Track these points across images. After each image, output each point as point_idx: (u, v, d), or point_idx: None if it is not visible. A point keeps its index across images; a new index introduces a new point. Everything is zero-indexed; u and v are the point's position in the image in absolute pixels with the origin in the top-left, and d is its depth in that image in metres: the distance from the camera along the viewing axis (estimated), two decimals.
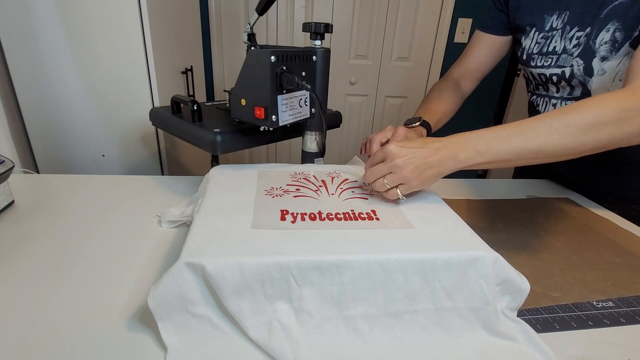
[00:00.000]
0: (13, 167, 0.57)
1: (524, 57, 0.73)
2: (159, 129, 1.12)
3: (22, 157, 1.06)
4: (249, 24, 0.67)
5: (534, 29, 0.70)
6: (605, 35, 0.59)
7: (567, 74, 0.65)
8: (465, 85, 0.83)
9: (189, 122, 0.63)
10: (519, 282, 0.40)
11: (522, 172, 0.94)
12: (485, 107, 2.21)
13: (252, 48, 0.61)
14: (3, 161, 0.56)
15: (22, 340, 0.35)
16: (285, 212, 0.45)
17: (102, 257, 0.48)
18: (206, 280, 0.35)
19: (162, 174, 1.18)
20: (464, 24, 1.97)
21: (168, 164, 1.18)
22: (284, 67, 0.52)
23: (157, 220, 0.57)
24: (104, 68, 1.02)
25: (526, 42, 0.72)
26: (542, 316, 0.42)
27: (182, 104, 0.67)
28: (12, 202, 0.59)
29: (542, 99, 0.74)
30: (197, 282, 0.35)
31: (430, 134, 0.70)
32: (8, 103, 1.01)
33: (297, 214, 0.44)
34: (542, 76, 0.70)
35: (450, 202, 0.51)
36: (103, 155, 1.12)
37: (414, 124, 0.68)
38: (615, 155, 0.68)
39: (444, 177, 0.49)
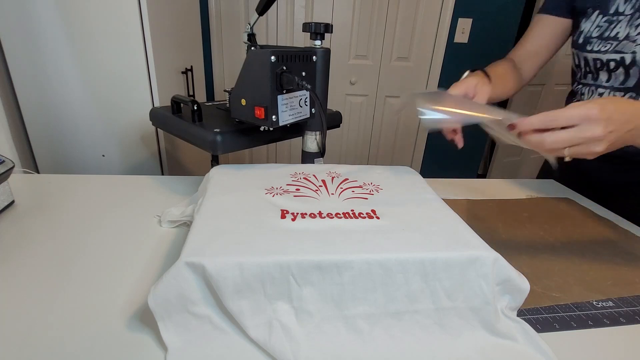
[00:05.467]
0: (13, 167, 0.57)
1: (580, 40, 0.70)
2: (159, 129, 1.12)
3: (22, 157, 1.06)
4: (249, 24, 0.67)
5: (597, 12, 0.67)
6: None
7: (628, 61, 0.63)
8: (525, 69, 0.78)
9: (189, 122, 0.63)
10: (519, 282, 0.40)
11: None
12: None
13: (252, 48, 0.61)
14: (3, 161, 0.55)
15: (22, 340, 0.35)
16: (285, 211, 0.45)
17: (102, 257, 0.48)
18: (206, 280, 0.35)
19: (162, 174, 1.18)
20: (464, 24, 1.97)
21: (168, 164, 1.18)
22: (284, 67, 0.52)
23: (157, 220, 0.57)
24: (104, 68, 1.02)
25: (585, 25, 0.69)
26: (542, 316, 0.42)
27: (182, 104, 0.67)
28: (12, 202, 0.59)
29: (588, 88, 0.71)
30: (198, 282, 0.35)
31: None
32: (8, 103, 1.01)
33: (297, 213, 0.44)
34: (597, 61, 0.68)
35: (450, 202, 0.51)
36: (103, 155, 1.12)
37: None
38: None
39: (443, 177, 0.48)
